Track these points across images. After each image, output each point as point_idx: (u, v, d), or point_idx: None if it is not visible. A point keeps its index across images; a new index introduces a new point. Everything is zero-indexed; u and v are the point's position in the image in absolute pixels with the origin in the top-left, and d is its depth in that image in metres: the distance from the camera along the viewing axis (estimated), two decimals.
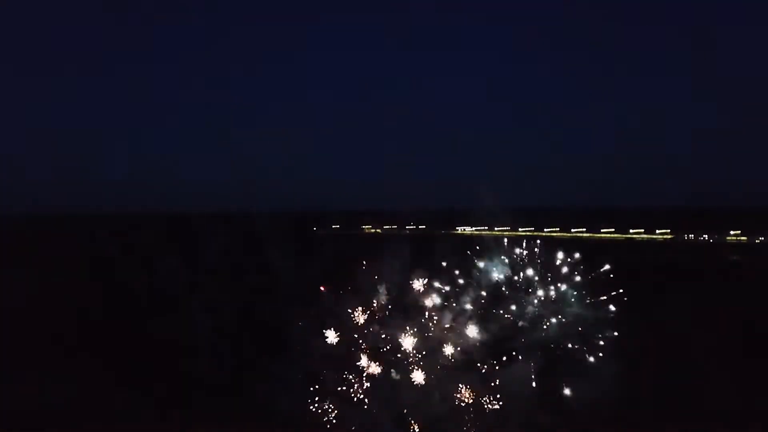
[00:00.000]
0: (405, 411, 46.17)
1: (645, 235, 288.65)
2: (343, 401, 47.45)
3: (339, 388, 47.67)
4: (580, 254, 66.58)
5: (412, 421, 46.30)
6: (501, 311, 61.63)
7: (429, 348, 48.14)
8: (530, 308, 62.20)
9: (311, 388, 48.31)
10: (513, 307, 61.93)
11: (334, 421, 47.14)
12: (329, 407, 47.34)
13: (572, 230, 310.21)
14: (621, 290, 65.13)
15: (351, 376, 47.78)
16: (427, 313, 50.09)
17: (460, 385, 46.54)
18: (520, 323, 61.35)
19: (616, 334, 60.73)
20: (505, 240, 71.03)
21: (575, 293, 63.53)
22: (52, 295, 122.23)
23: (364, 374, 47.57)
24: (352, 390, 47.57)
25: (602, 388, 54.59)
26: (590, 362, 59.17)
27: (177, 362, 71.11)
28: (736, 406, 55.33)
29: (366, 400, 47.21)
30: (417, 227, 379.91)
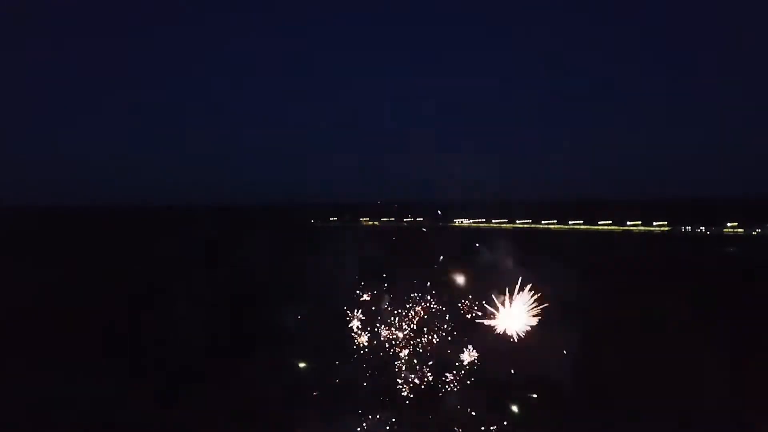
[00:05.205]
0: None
1: (642, 227, 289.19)
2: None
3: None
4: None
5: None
6: None
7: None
8: None
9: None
10: None
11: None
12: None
13: (570, 222, 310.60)
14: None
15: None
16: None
17: None
18: None
19: None
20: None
21: None
22: (41, 288, 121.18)
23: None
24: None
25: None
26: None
27: (170, 355, 70.52)
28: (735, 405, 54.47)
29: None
30: (415, 219, 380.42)
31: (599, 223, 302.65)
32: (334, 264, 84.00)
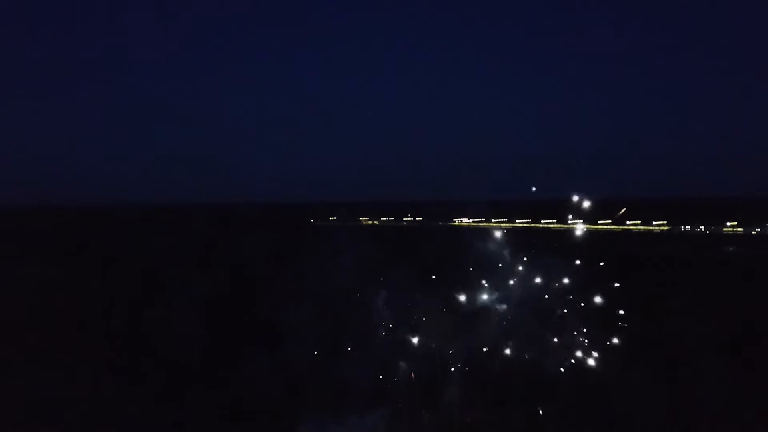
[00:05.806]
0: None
1: (642, 227, 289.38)
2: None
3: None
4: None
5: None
6: None
7: None
8: None
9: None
10: None
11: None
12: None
13: (569, 221, 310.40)
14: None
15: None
16: None
17: None
18: None
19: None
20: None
21: None
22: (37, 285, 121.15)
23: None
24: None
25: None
26: None
27: (170, 355, 70.40)
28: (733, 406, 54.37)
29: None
30: (414, 219, 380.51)
31: (599, 222, 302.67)
32: (333, 264, 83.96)
